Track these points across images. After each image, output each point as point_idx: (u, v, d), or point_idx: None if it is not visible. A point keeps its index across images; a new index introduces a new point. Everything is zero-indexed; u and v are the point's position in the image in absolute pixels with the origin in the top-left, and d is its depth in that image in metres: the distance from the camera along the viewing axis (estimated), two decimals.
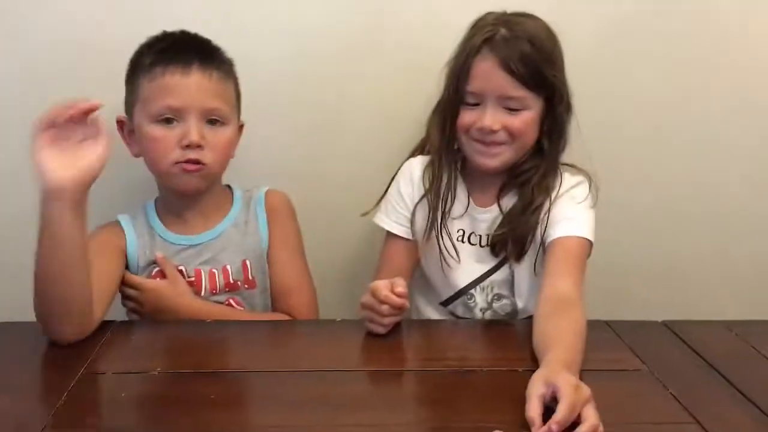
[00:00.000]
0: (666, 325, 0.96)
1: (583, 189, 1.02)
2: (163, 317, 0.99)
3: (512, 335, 0.96)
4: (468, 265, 1.06)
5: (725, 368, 0.83)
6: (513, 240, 1.02)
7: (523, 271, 1.05)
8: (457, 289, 1.07)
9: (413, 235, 1.07)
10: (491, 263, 1.06)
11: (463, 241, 1.06)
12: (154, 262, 1.01)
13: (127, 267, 1.02)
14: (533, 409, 0.68)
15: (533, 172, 1.01)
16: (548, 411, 0.68)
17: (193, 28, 1.01)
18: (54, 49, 1.13)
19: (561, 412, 0.66)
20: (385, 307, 0.88)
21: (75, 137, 0.82)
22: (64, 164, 0.81)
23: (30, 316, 0.87)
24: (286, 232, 1.06)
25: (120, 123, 1.02)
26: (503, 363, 0.84)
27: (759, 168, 1.28)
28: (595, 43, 1.18)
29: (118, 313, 1.00)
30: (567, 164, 1.05)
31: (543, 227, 1.00)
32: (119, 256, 1.00)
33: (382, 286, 0.88)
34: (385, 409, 0.75)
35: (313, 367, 0.82)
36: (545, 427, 0.65)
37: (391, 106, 1.20)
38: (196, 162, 0.96)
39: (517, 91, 0.96)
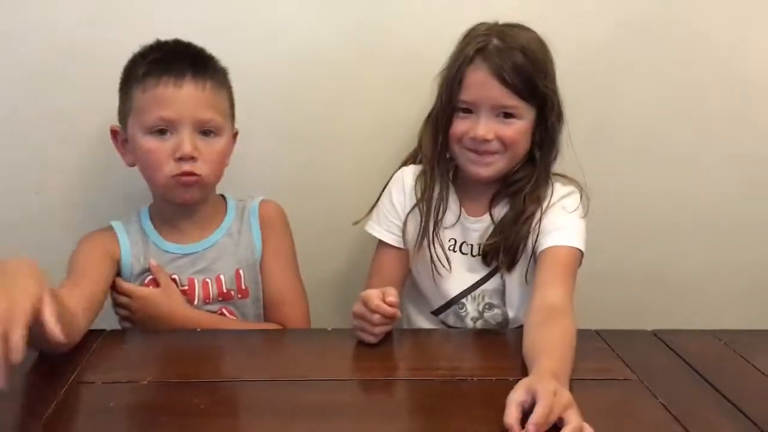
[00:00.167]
0: (656, 334, 0.96)
1: (574, 199, 1.02)
2: (155, 325, 0.98)
3: (503, 344, 0.96)
4: (459, 274, 1.06)
5: (714, 377, 0.84)
6: (504, 249, 1.02)
7: (514, 280, 1.05)
8: (448, 299, 1.08)
9: (405, 244, 1.07)
10: (482, 272, 1.06)
11: (454, 251, 1.07)
12: (148, 270, 1.01)
13: (119, 274, 1.01)
14: (510, 416, 0.68)
15: (525, 181, 1.02)
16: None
17: (188, 36, 1.01)
18: (55, 55, 1.13)
19: (536, 414, 0.66)
20: (376, 317, 0.88)
21: None
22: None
23: None
24: (279, 242, 1.06)
25: (114, 132, 1.02)
26: (494, 372, 0.84)
27: (750, 178, 1.29)
28: (586, 54, 1.19)
29: (110, 321, 1.00)
30: (558, 174, 1.06)
31: (534, 237, 1.00)
32: (111, 263, 1.00)
33: (373, 295, 0.88)
34: (375, 419, 0.75)
35: (304, 376, 0.82)
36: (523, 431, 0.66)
37: (383, 115, 1.20)
38: (191, 174, 0.96)
39: (510, 101, 0.97)
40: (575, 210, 1.01)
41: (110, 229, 1.03)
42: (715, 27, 1.22)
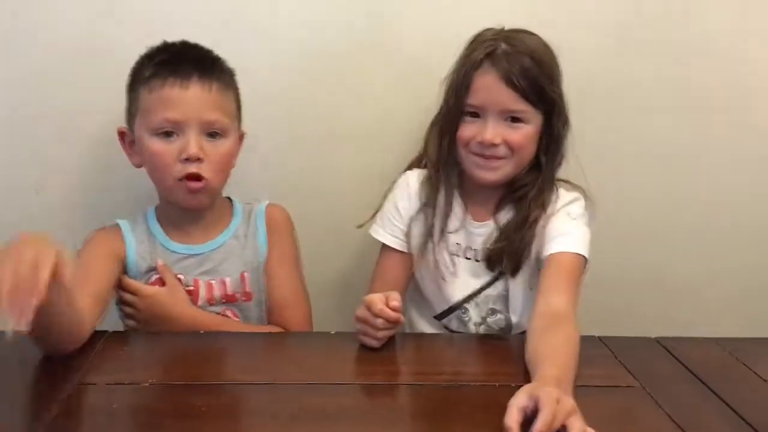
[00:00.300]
0: (659, 341, 0.96)
1: (579, 205, 1.03)
2: (160, 324, 0.98)
3: (506, 350, 0.96)
4: (463, 279, 1.06)
5: (717, 385, 0.84)
6: (509, 254, 1.02)
7: (517, 286, 1.05)
8: (451, 303, 1.08)
9: (408, 248, 1.07)
10: (486, 278, 1.06)
11: (458, 255, 1.06)
12: (154, 269, 1.01)
13: (125, 272, 1.01)
14: (511, 418, 0.68)
15: (530, 187, 1.02)
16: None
17: (188, 37, 1.01)
18: (55, 55, 1.13)
19: (540, 420, 0.66)
20: (379, 321, 0.88)
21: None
22: None
23: None
24: (284, 246, 1.06)
25: (121, 134, 1.02)
26: (497, 378, 0.84)
27: (753, 184, 1.29)
28: (590, 59, 1.19)
29: (112, 323, 1.00)
30: (562, 180, 1.06)
31: (538, 242, 1.00)
32: (116, 261, 1.00)
33: (377, 299, 0.88)
34: (377, 423, 0.75)
35: (307, 380, 0.82)
36: None
37: (386, 117, 1.20)
38: (197, 177, 0.96)
39: (519, 105, 0.97)
40: (580, 216, 1.01)
41: (116, 227, 1.03)
42: (724, 32, 1.22)
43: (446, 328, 1.10)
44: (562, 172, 1.06)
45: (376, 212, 1.10)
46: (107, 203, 1.17)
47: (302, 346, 0.97)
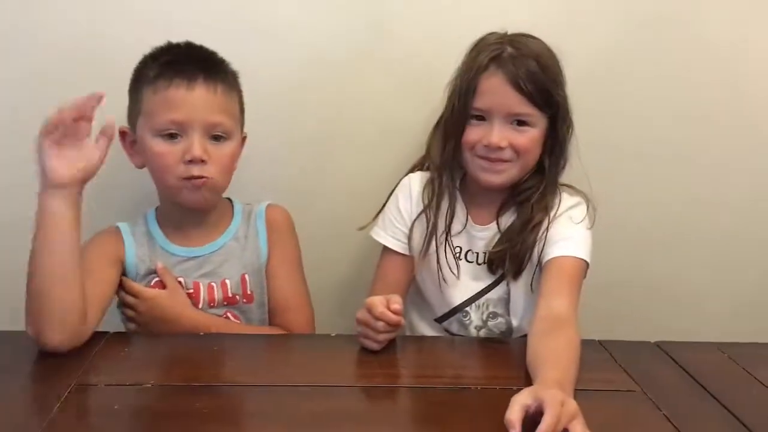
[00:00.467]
0: (659, 346, 0.96)
1: (581, 210, 1.03)
2: (160, 327, 0.98)
3: (507, 354, 0.96)
4: (464, 282, 1.06)
5: (717, 390, 0.84)
6: (511, 257, 1.02)
7: (519, 289, 1.05)
8: (452, 306, 1.08)
9: (410, 250, 1.07)
10: (487, 281, 1.06)
11: (459, 258, 1.07)
12: (154, 272, 1.01)
13: (124, 275, 1.01)
14: (513, 413, 0.68)
15: (534, 190, 1.02)
16: (534, 426, 0.68)
17: (189, 38, 1.01)
18: (56, 55, 1.13)
19: (545, 423, 0.66)
20: (380, 324, 0.88)
21: (79, 134, 0.86)
22: (65, 163, 0.85)
23: (21, 325, 0.87)
24: (285, 247, 1.06)
25: (122, 134, 1.01)
26: (497, 381, 0.84)
27: (754, 190, 1.29)
28: (592, 64, 1.19)
29: (113, 324, 1.00)
30: (565, 184, 1.06)
31: (540, 246, 1.00)
32: (116, 263, 1.00)
33: (378, 302, 0.88)
34: (378, 425, 0.75)
35: (307, 382, 0.82)
36: None
37: (388, 119, 1.20)
38: (200, 177, 0.96)
39: (525, 108, 0.97)
40: (582, 221, 1.01)
41: (116, 230, 1.03)
42: (715, 28, 1.21)
43: (447, 331, 1.10)
44: (564, 177, 1.06)
45: (378, 214, 1.10)
46: (107, 203, 1.17)
47: (303, 348, 0.97)
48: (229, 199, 1.09)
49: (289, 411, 0.76)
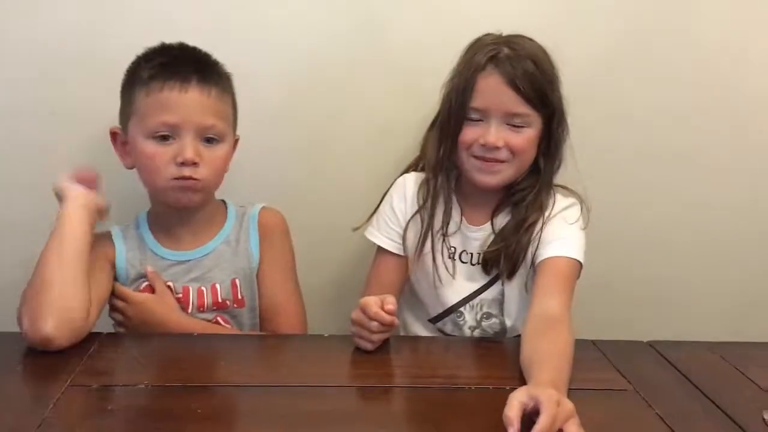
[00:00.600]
0: (652, 345, 0.97)
1: (575, 210, 1.03)
2: (149, 331, 0.98)
3: (501, 354, 0.96)
4: (458, 283, 1.07)
5: (709, 389, 0.85)
6: (505, 257, 1.02)
7: (513, 290, 1.05)
8: (446, 307, 1.08)
9: (404, 251, 1.08)
10: (482, 282, 1.06)
11: (454, 259, 1.07)
12: (144, 276, 1.01)
13: (116, 279, 1.01)
14: (512, 410, 0.68)
15: (528, 191, 1.03)
16: (530, 425, 0.68)
17: (187, 39, 1.01)
18: (56, 55, 1.12)
19: (541, 422, 0.66)
20: (374, 324, 0.88)
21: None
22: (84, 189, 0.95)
23: (14, 327, 0.87)
24: (278, 251, 1.05)
25: (113, 134, 1.01)
26: (492, 381, 0.85)
27: (745, 193, 1.30)
28: (591, 65, 1.20)
29: (106, 325, 0.99)
30: (559, 185, 1.06)
31: (534, 246, 1.01)
32: (109, 267, 1.00)
33: (372, 302, 0.88)
34: (372, 426, 0.75)
35: (301, 382, 0.82)
36: None
37: (383, 121, 1.20)
38: (191, 178, 0.95)
39: (522, 108, 0.98)
40: (576, 221, 1.02)
41: (107, 234, 1.03)
42: (714, 30, 1.22)
43: (441, 331, 1.10)
44: (559, 178, 1.06)
45: (372, 214, 1.10)
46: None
47: (297, 348, 0.97)
48: (224, 201, 1.08)
49: (284, 411, 0.76)
